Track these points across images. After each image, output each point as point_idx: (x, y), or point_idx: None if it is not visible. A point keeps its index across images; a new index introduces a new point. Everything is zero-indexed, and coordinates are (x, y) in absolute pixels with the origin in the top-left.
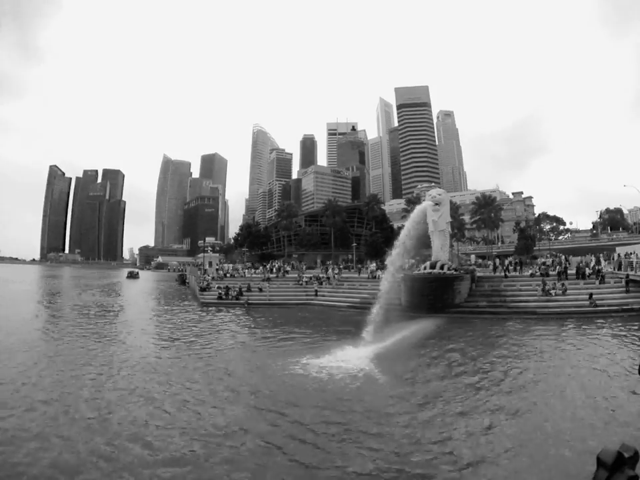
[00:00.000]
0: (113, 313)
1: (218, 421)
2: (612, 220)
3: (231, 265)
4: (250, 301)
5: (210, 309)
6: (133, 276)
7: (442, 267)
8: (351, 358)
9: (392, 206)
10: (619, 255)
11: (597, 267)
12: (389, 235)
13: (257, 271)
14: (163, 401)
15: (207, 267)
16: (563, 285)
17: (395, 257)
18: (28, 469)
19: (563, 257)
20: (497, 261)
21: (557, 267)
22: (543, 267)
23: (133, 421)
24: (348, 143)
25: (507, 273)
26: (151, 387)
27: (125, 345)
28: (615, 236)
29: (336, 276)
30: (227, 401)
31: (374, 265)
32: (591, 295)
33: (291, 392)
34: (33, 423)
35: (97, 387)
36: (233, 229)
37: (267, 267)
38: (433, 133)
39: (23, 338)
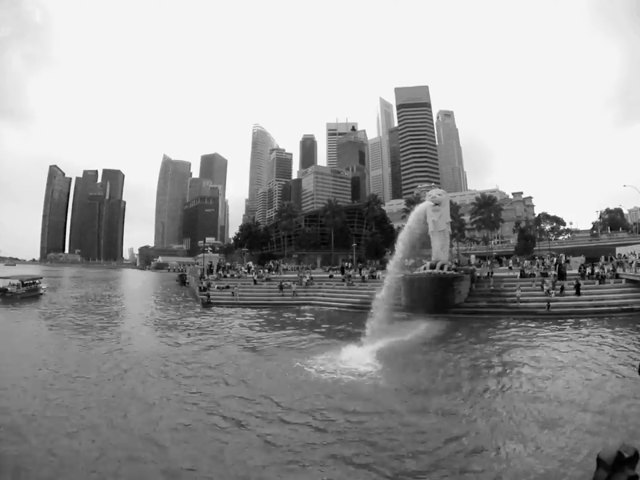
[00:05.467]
0: (118, 315)
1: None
2: (612, 220)
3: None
4: (250, 301)
5: (210, 309)
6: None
7: (442, 267)
8: (355, 358)
9: (392, 206)
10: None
11: (599, 269)
12: (389, 235)
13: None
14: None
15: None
16: (562, 286)
17: (395, 257)
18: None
19: (563, 257)
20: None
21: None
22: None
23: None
24: (348, 143)
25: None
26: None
27: (133, 346)
28: (615, 236)
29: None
30: (240, 400)
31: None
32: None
33: (298, 391)
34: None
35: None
36: (233, 229)
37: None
38: (433, 133)
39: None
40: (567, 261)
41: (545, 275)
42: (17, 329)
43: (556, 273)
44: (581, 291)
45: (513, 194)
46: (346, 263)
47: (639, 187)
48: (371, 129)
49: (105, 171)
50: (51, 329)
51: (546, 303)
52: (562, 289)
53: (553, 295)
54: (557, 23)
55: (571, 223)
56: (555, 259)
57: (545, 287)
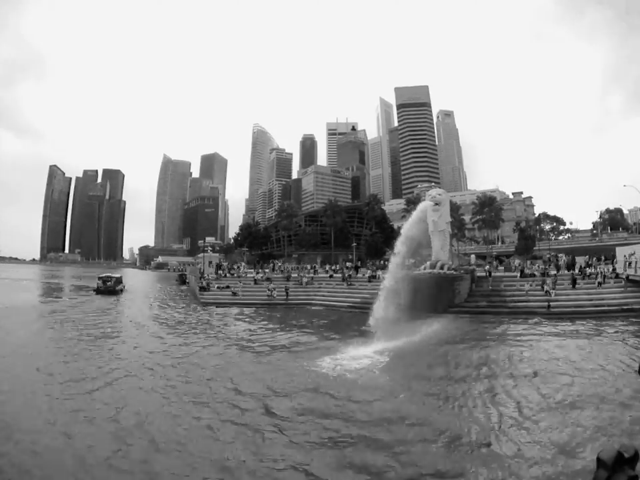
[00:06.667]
0: (121, 316)
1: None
2: (612, 220)
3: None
4: (250, 301)
5: (210, 308)
6: (106, 290)
7: (442, 267)
8: (357, 357)
9: (392, 206)
10: None
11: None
12: (389, 235)
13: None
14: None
15: (206, 267)
16: (555, 275)
17: (396, 257)
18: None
19: (564, 257)
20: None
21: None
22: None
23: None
24: (348, 142)
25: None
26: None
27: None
28: (615, 236)
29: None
30: (247, 402)
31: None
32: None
33: (308, 390)
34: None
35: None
36: (233, 229)
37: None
38: (433, 133)
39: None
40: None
41: (544, 274)
42: None
43: (556, 273)
44: (581, 290)
45: (513, 194)
46: (348, 264)
47: (638, 187)
48: (371, 128)
49: (105, 171)
50: None
51: (546, 303)
52: (555, 276)
53: (553, 294)
54: (557, 21)
55: (571, 223)
56: (556, 259)
57: (545, 287)
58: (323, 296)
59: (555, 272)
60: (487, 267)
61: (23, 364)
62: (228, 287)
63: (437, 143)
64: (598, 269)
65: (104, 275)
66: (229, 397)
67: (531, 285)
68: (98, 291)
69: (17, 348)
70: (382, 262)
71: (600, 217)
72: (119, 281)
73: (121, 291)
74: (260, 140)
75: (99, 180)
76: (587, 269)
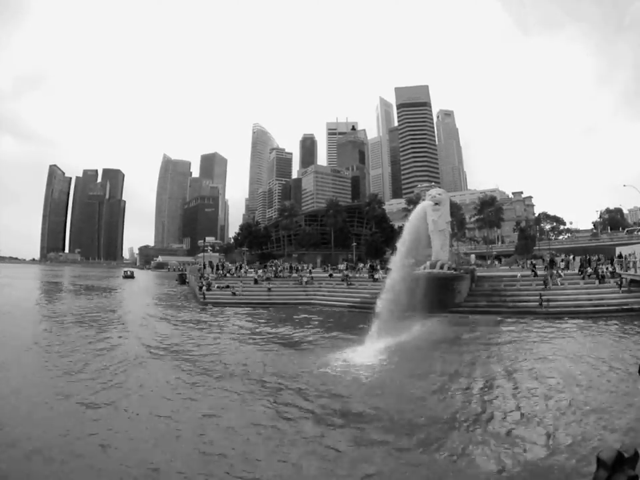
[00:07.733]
0: (118, 315)
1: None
2: (612, 220)
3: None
4: (250, 301)
5: (210, 308)
6: (128, 276)
7: (442, 267)
8: (358, 356)
9: (392, 205)
10: None
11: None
12: (388, 235)
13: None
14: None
15: (206, 268)
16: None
17: (396, 256)
18: None
19: (564, 256)
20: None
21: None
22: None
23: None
24: (348, 142)
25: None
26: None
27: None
28: (615, 236)
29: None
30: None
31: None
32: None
33: (305, 387)
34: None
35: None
36: (233, 229)
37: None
38: (433, 132)
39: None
40: (567, 261)
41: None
42: None
43: (555, 272)
44: (581, 290)
45: (513, 194)
46: (344, 263)
47: (638, 186)
48: (371, 128)
49: (105, 171)
50: None
51: (546, 302)
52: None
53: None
54: (558, 17)
55: (571, 223)
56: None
57: (546, 286)
58: (323, 296)
59: (555, 271)
60: (472, 266)
61: None
62: (228, 286)
63: (436, 143)
64: (599, 270)
65: (126, 269)
66: (236, 396)
67: (531, 285)
68: (124, 277)
69: None
70: (380, 262)
71: (600, 217)
72: (133, 272)
73: (134, 277)
74: (260, 140)
75: (99, 180)
76: (588, 268)
